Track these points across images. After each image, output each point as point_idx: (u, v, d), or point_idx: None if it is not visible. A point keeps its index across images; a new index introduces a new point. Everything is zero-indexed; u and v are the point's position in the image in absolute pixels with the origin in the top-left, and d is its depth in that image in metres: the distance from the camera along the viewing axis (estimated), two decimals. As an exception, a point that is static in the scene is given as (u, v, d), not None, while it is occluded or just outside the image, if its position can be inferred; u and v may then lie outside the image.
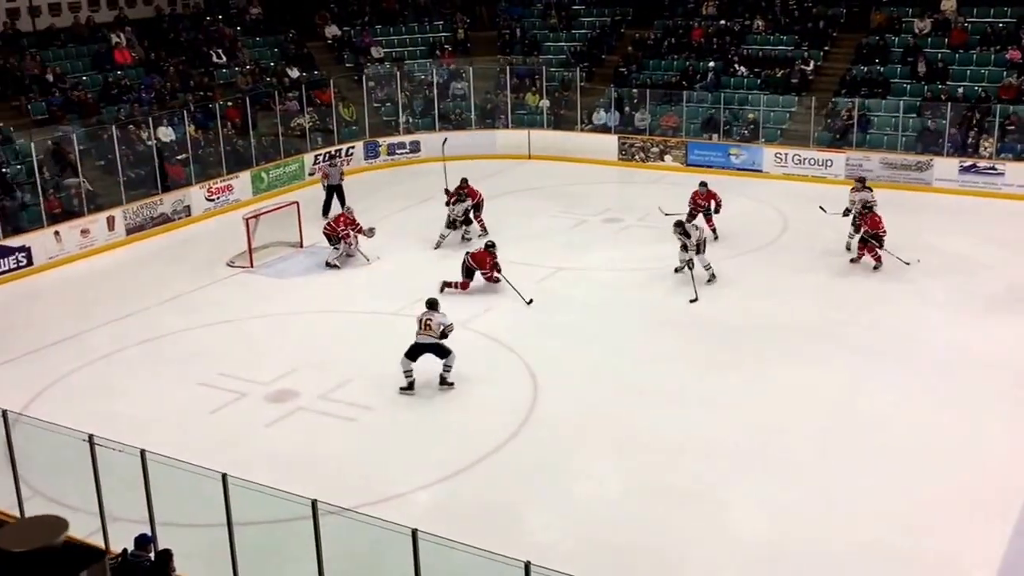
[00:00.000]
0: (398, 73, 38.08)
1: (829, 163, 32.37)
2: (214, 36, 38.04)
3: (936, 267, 24.29)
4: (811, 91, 34.51)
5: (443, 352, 18.91)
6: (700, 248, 23.64)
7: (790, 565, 13.77)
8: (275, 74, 37.41)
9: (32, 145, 28.10)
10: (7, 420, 13.97)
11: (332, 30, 41.15)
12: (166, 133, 31.96)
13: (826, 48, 36.48)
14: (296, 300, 23.85)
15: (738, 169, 33.51)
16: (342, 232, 25.82)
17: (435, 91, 37.81)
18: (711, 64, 36.63)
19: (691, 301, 22.59)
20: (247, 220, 26.72)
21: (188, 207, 30.72)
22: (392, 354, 20.65)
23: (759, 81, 35.70)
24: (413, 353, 18.86)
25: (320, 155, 34.89)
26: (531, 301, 22.78)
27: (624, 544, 14.24)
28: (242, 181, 32.51)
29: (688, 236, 23.54)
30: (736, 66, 36.37)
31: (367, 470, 16.35)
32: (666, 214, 26.22)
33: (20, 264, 26.48)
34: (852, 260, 24.55)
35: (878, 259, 24.04)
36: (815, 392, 18.36)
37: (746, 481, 15.65)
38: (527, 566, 9.69)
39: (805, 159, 32.72)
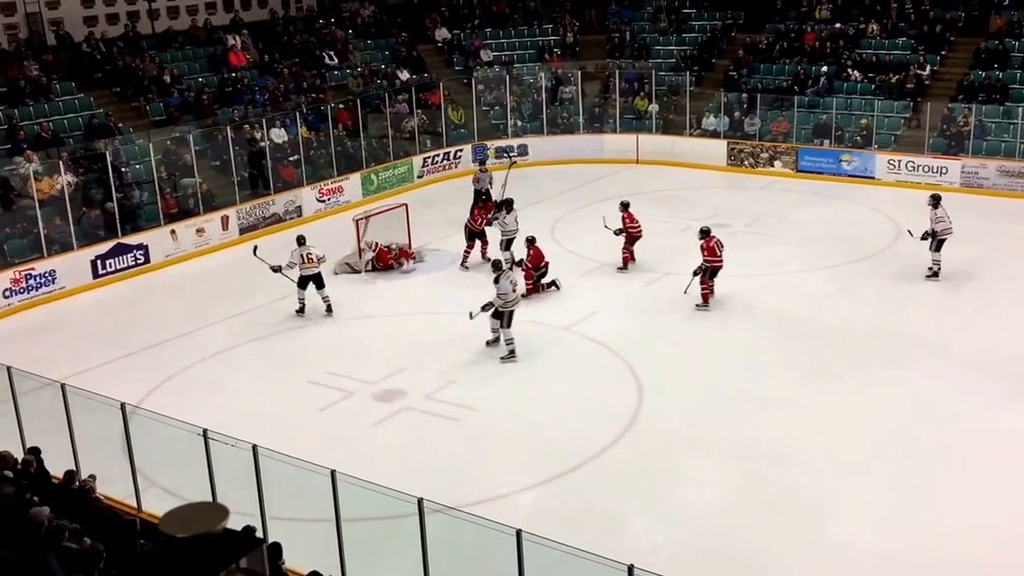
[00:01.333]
0: (507, 76, 38.27)
1: (944, 170, 31.77)
2: (326, 39, 38.55)
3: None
4: (927, 97, 33.97)
5: (321, 284, 23.16)
6: (504, 319, 20.51)
7: (894, 576, 13.66)
8: (385, 76, 37.80)
9: (150, 145, 28.79)
10: (125, 412, 14.36)
11: (442, 33, 41.50)
12: (278, 134, 32.51)
13: (943, 53, 35.81)
14: (403, 300, 24.10)
15: (850, 175, 33.11)
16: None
17: (543, 95, 37.94)
18: (823, 69, 36.21)
19: None
20: (357, 221, 27.06)
21: (299, 208, 31.22)
22: (498, 356, 20.83)
23: (873, 86, 35.21)
24: (303, 283, 22.97)
25: (428, 157, 35.37)
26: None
27: (727, 551, 14.21)
28: (352, 183, 32.95)
29: (496, 280, 20.76)
30: (849, 71, 35.91)
31: (471, 470, 16.49)
32: (606, 226, 25.77)
33: (138, 261, 27.15)
34: (687, 293, 23.22)
35: (705, 296, 22.79)
36: (922, 403, 18.11)
37: (850, 491, 15.50)
38: (630, 569, 9.73)
39: (919, 166, 32.16)
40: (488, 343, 21.17)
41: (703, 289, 22.76)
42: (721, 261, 22.66)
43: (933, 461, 16.24)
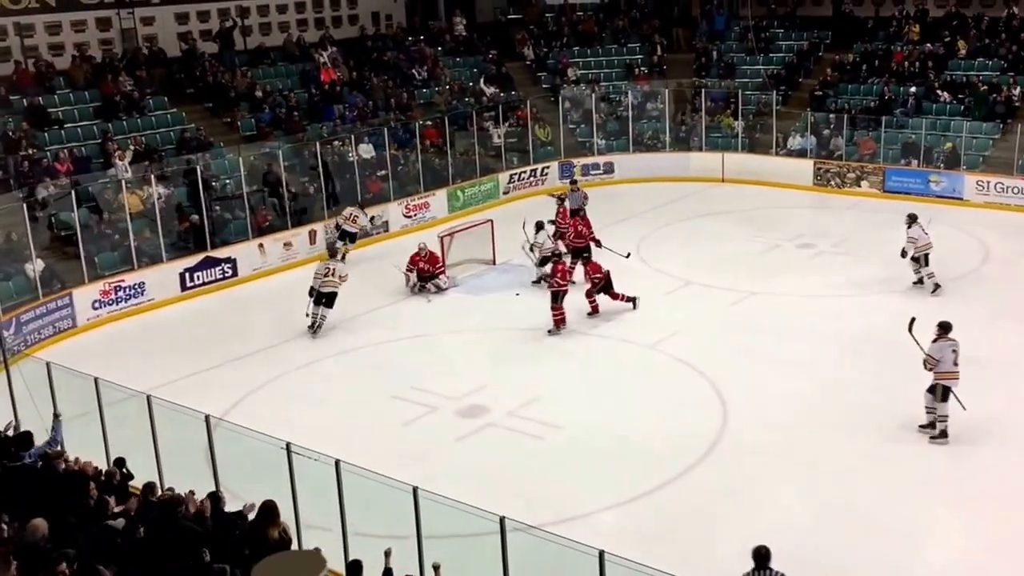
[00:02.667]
0: (593, 94, 38.27)
1: (1034, 192, 31.28)
2: (415, 56, 38.76)
3: None
4: (1016, 118, 33.36)
5: (353, 238, 28.00)
6: (322, 298, 23.25)
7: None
8: (473, 94, 37.96)
9: (240, 160, 29.15)
10: (209, 425, 14.51)
11: (530, 51, 41.57)
12: (367, 150, 32.76)
13: (1035, 73, 35.20)
14: (488, 316, 24.15)
15: (938, 196, 32.60)
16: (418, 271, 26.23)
17: (630, 112, 37.85)
18: (912, 89, 35.73)
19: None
20: (442, 237, 27.20)
21: (386, 223, 31.43)
22: (583, 373, 20.82)
23: (962, 107, 34.68)
24: (344, 236, 27.55)
25: (515, 173, 35.56)
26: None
27: (812, 574, 14.02)
28: (438, 199, 33.11)
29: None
30: (939, 91, 35.38)
31: (553, 488, 16.45)
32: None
33: (226, 275, 27.51)
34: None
35: (558, 321, 22.81)
36: (1017, 429, 17.74)
37: (942, 517, 15.26)
38: (713, 592, 9.65)
39: (1009, 188, 31.59)
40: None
41: (555, 315, 22.64)
42: (567, 286, 22.82)
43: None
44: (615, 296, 23.76)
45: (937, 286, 24.19)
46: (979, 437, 17.47)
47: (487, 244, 27.93)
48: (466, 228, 28.47)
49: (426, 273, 25.99)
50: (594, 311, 23.75)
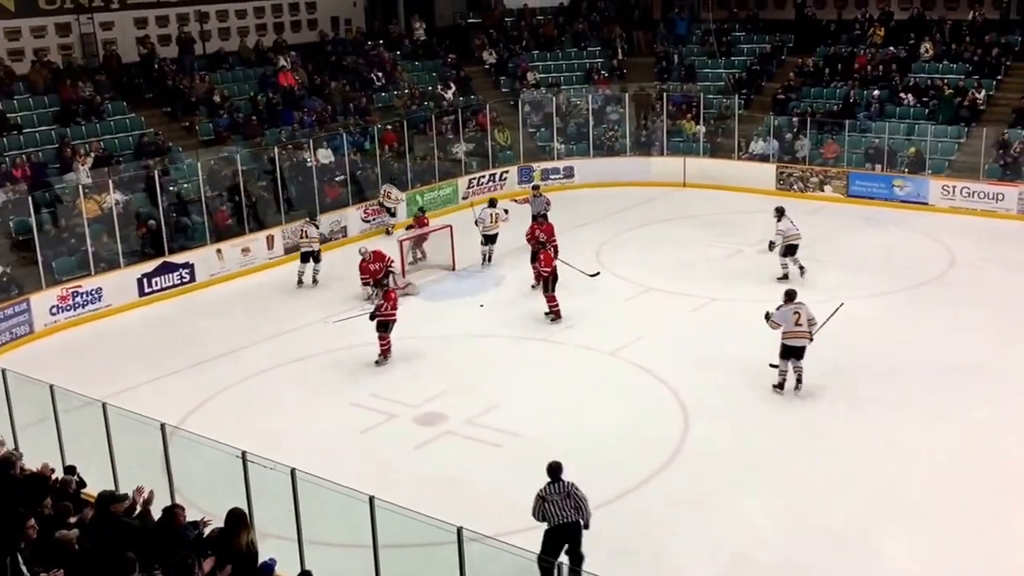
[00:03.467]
0: (553, 98, 38.17)
1: (1000, 197, 31.17)
2: (374, 60, 38.58)
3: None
4: (981, 122, 33.49)
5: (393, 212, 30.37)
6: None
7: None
8: (432, 98, 37.80)
9: (199, 165, 28.89)
10: (165, 433, 14.30)
11: (490, 55, 41.49)
12: (325, 155, 32.55)
13: (999, 77, 35.31)
14: (447, 323, 24.00)
15: (902, 201, 32.65)
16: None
17: (590, 117, 37.79)
18: (875, 92, 35.81)
19: None
20: (401, 242, 27.06)
21: (345, 228, 31.24)
22: (542, 380, 20.70)
23: (927, 111, 34.77)
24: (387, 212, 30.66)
25: (474, 178, 35.43)
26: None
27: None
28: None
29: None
30: (902, 95, 35.47)
31: (512, 497, 16.21)
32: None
33: (184, 280, 27.24)
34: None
35: (384, 351, 21.86)
36: (987, 436, 17.71)
37: (904, 528, 15.16)
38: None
39: (974, 192, 31.64)
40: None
41: (382, 344, 21.91)
42: (395, 315, 21.93)
43: (989, 497, 15.91)
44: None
45: (800, 270, 25.75)
46: (967, 446, 17.44)
47: (446, 249, 27.78)
48: (425, 233, 28.34)
49: (379, 274, 25.53)
50: (556, 316, 23.59)
